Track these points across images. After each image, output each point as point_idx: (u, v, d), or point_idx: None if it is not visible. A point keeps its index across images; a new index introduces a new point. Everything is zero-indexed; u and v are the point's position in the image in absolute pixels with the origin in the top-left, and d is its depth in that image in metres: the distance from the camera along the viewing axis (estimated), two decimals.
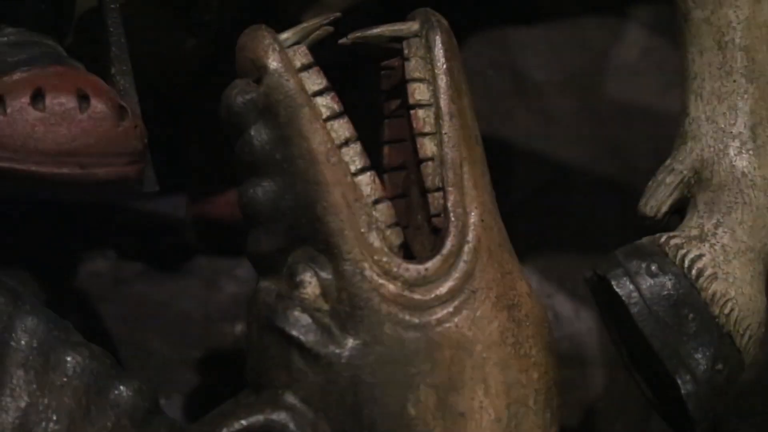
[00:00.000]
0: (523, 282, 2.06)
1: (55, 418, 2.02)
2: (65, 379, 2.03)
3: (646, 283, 2.09)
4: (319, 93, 2.01)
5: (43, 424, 2.01)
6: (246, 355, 2.09)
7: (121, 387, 2.04)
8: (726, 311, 2.09)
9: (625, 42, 2.69)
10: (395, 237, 2.01)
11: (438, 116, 2.04)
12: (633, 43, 2.70)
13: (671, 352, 2.11)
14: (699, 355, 2.09)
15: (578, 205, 2.62)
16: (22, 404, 2.02)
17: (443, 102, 2.05)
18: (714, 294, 2.09)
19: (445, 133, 2.04)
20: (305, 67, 2.02)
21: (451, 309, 1.99)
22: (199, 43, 2.34)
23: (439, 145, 2.04)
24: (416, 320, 1.99)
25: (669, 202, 2.14)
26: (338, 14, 2.12)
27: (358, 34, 2.09)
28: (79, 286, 2.50)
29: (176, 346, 2.53)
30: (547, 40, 2.69)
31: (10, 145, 2.00)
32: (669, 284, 2.08)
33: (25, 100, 1.98)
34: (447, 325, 1.99)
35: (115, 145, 2.03)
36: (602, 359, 2.45)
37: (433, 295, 1.99)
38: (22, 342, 2.03)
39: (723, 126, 2.13)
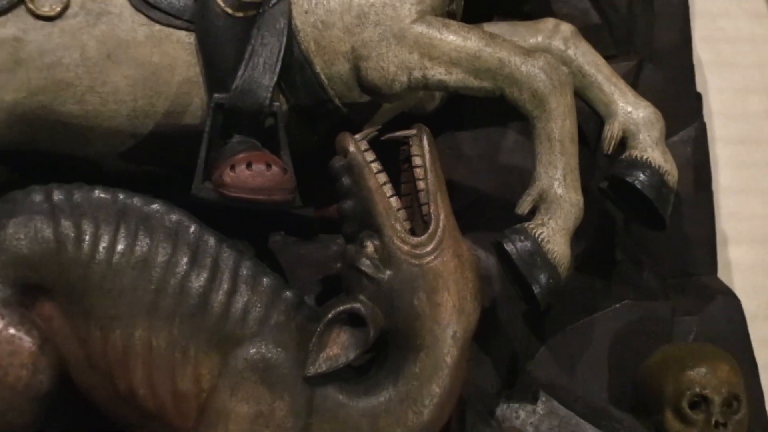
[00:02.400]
0: (464, 245, 2.15)
1: (259, 306, 2.11)
2: (262, 288, 2.13)
3: (519, 245, 2.19)
4: (373, 161, 2.10)
5: (254, 309, 2.11)
6: (341, 278, 2.17)
7: (287, 292, 2.16)
8: (555, 257, 2.20)
9: (509, 137, 2.61)
10: (407, 225, 2.11)
11: (425, 171, 2.12)
12: (513, 137, 2.61)
13: (530, 276, 2.20)
14: (542, 276, 2.19)
15: (489, 210, 2.55)
16: (245, 299, 2.11)
17: (428, 164, 2.12)
18: (549, 249, 2.19)
19: (429, 179, 2.11)
20: (366, 150, 2.10)
21: (433, 257, 2.09)
22: (318, 137, 2.31)
23: (426, 184, 2.12)
24: (417, 262, 2.08)
25: (528, 207, 2.22)
26: (380, 126, 2.22)
27: (388, 135, 2.17)
28: (268, 248, 2.50)
29: (310, 274, 2.48)
30: (473, 137, 2.61)
31: (237, 187, 2.09)
32: (529, 245, 2.18)
33: (244, 166, 2.08)
34: (431, 264, 2.09)
35: (283, 185, 2.12)
36: (499, 278, 2.44)
37: (425, 251, 2.09)
38: (244, 272, 2.13)
39: (551, 175, 2.20)
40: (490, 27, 2.40)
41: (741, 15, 2.96)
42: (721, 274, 2.73)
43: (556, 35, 2.39)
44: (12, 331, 2.02)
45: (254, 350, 2.10)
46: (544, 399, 2.38)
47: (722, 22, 2.95)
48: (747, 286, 2.82)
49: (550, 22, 2.42)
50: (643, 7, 2.67)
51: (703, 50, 2.87)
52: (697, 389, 2.30)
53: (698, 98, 2.72)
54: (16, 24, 2.12)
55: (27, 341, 2.03)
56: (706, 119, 2.74)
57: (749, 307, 2.64)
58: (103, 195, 2.11)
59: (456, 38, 2.19)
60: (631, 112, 2.33)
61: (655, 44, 2.67)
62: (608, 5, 2.65)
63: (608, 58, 2.48)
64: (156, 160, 2.29)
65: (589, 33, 2.49)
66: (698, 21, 2.82)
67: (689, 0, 2.71)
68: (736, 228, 2.91)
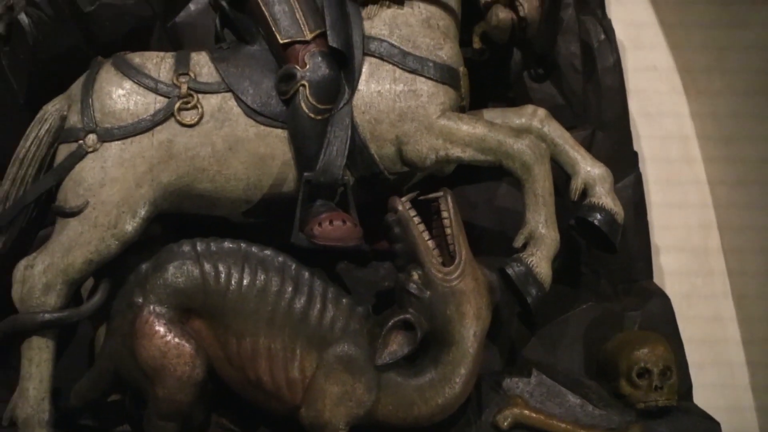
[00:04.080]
0: (479, 270, 2.29)
1: (341, 318, 2.25)
2: (342, 306, 2.27)
3: (516, 269, 2.32)
4: (414, 216, 2.24)
5: (338, 321, 2.25)
6: (395, 296, 2.29)
7: (359, 307, 2.30)
8: (541, 277, 2.31)
9: (503, 187, 2.64)
10: (440, 259, 2.24)
11: (451, 221, 2.26)
12: (505, 188, 2.65)
13: (525, 290, 2.28)
14: (533, 290, 2.30)
15: (490, 240, 2.58)
16: (332, 314, 2.25)
17: (452, 216, 2.26)
18: (537, 272, 2.31)
19: (453, 227, 2.26)
20: (409, 208, 2.24)
21: (459, 281, 2.23)
22: (374, 196, 2.36)
23: (452, 230, 2.26)
24: (448, 285, 2.23)
25: (522, 242, 2.33)
26: (418, 192, 2.32)
27: (424, 196, 2.30)
28: (336, 272, 2.53)
29: (367, 290, 2.52)
30: (477, 188, 2.63)
31: (322, 238, 2.24)
32: (524, 269, 2.30)
33: (327, 223, 2.23)
34: (458, 286, 2.23)
35: (354, 235, 2.28)
36: (501, 290, 2.32)
37: (453, 277, 2.23)
38: (330, 295, 2.27)
39: (537, 220, 2.31)
40: (488, 112, 2.53)
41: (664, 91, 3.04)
42: (656, 279, 2.79)
43: (534, 117, 2.47)
44: (177, 340, 2.23)
45: (340, 349, 2.25)
46: (535, 374, 2.45)
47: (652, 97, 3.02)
48: (675, 286, 2.89)
49: (530, 108, 2.51)
50: (593, 91, 2.76)
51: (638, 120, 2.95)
52: (642, 364, 2.39)
53: (635, 155, 2.79)
54: (168, 130, 2.32)
55: (187, 347, 2.24)
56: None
57: (675, 302, 2.72)
58: (231, 245, 2.29)
59: (468, 127, 2.35)
60: (590, 170, 2.40)
61: (603, 117, 2.75)
62: (568, 90, 2.74)
63: (570, 128, 2.56)
64: (263, 216, 2.41)
65: (556, 111, 2.57)
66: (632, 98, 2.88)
67: (626, 84, 2.80)
68: (665, 243, 2.94)
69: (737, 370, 2.90)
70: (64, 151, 2.34)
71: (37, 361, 2.30)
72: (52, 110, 2.38)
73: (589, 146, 2.63)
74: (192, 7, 2.72)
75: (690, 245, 2.99)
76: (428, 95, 2.33)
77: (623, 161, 2.75)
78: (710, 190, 3.01)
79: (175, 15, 2.71)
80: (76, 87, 2.40)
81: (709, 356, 2.82)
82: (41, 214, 2.43)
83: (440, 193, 2.29)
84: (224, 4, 2.44)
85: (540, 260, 2.33)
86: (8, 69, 2.63)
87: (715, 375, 2.82)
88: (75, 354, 2.52)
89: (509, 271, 2.32)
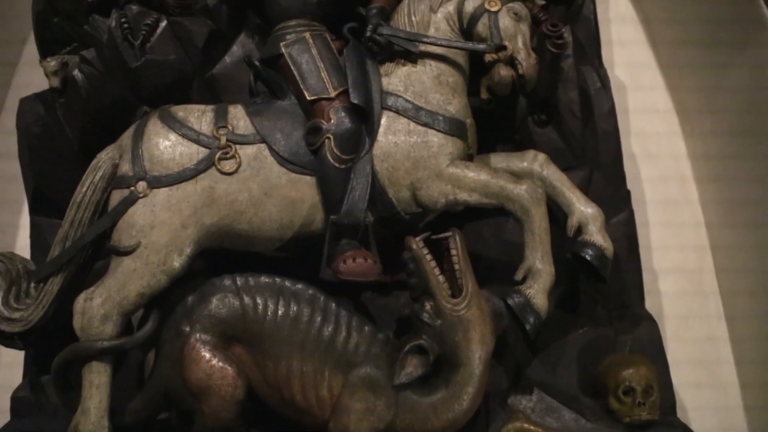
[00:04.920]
0: (484, 301, 2.44)
1: (364, 344, 2.45)
2: (365, 333, 2.46)
3: (516, 300, 2.50)
4: (427, 253, 2.41)
5: (361, 346, 2.44)
6: (410, 323, 2.45)
7: (380, 334, 2.47)
8: (538, 307, 2.48)
9: (510, 222, 2.68)
10: (449, 291, 2.41)
11: (459, 258, 2.42)
12: (511, 223, 2.66)
13: (524, 319, 2.48)
14: (531, 319, 2.49)
15: (498, 268, 2.65)
16: (356, 340, 2.44)
17: (460, 253, 2.42)
18: (534, 303, 2.48)
19: (461, 263, 2.42)
20: (422, 247, 2.41)
21: (466, 310, 2.40)
22: (393, 234, 2.49)
23: (460, 265, 2.42)
24: (456, 314, 2.39)
25: (521, 276, 2.49)
26: (430, 232, 2.48)
27: (435, 236, 2.45)
28: (361, 300, 2.67)
29: (389, 315, 2.64)
30: (485, 222, 2.74)
31: (347, 273, 2.41)
32: (522, 300, 2.48)
33: (351, 260, 2.41)
34: (465, 315, 2.39)
35: (375, 271, 2.46)
36: (507, 316, 2.45)
37: (461, 307, 2.40)
38: (354, 323, 2.45)
39: (534, 256, 2.46)
40: (494, 156, 2.71)
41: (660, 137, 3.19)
42: (652, 302, 2.93)
43: (535, 161, 2.65)
44: (221, 364, 2.45)
45: (363, 371, 2.43)
46: (536, 391, 2.61)
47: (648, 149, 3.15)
48: (666, 312, 3.07)
49: (531, 153, 2.68)
50: (591, 135, 2.90)
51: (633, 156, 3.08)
52: (627, 382, 2.56)
53: (627, 194, 2.94)
54: (210, 178, 2.51)
55: (230, 370, 2.45)
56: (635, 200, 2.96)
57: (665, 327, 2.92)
58: (267, 279, 2.51)
59: (474, 174, 2.53)
60: (583, 210, 2.57)
61: (599, 159, 2.89)
62: (568, 134, 2.88)
63: (570, 168, 2.72)
64: (293, 251, 2.58)
65: (557, 153, 2.73)
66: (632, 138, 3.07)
67: (619, 129, 2.94)
68: (654, 276, 3.10)
69: (730, 391, 3.06)
70: (117, 196, 2.53)
71: (97, 383, 2.50)
72: (105, 158, 2.55)
73: (587, 185, 2.78)
74: (228, 59, 2.92)
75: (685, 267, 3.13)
76: (438, 146, 2.53)
77: (617, 199, 2.91)
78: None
79: (213, 68, 2.90)
80: (127, 138, 2.58)
81: (704, 377, 2.99)
82: (96, 251, 2.64)
83: (449, 233, 2.47)
84: (257, 63, 2.67)
85: (537, 292, 2.51)
86: (63, 119, 2.86)
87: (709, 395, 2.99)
88: (127, 376, 2.70)
89: (510, 302, 2.51)
